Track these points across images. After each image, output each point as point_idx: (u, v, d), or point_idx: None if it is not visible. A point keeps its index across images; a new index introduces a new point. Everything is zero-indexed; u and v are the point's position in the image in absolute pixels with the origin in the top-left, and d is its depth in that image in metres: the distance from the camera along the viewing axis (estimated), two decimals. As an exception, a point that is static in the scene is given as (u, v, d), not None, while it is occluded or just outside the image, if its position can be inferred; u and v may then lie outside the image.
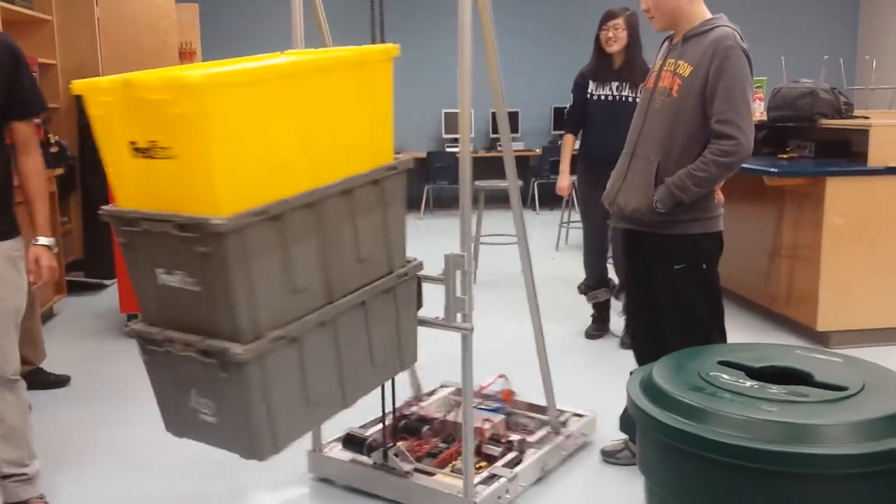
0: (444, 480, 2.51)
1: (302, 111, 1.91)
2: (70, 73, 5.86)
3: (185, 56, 6.74)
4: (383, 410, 2.60)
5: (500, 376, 2.98)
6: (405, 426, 2.82)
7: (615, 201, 2.72)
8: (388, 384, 2.50)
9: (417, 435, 2.77)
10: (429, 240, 7.98)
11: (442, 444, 2.77)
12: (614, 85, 4.19)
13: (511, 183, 2.74)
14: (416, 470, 2.55)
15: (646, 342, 2.82)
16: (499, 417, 2.87)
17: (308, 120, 1.92)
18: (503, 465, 2.64)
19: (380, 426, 2.73)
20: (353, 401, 2.15)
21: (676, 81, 2.53)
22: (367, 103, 2.13)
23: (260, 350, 1.80)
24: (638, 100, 4.06)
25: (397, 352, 2.29)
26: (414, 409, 2.95)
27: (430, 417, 2.88)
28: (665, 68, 2.61)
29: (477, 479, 2.47)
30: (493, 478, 2.55)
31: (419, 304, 2.37)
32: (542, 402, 3.00)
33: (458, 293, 2.48)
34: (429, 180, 9.46)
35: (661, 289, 2.68)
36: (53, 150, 5.29)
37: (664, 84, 2.58)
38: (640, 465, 1.73)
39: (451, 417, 2.83)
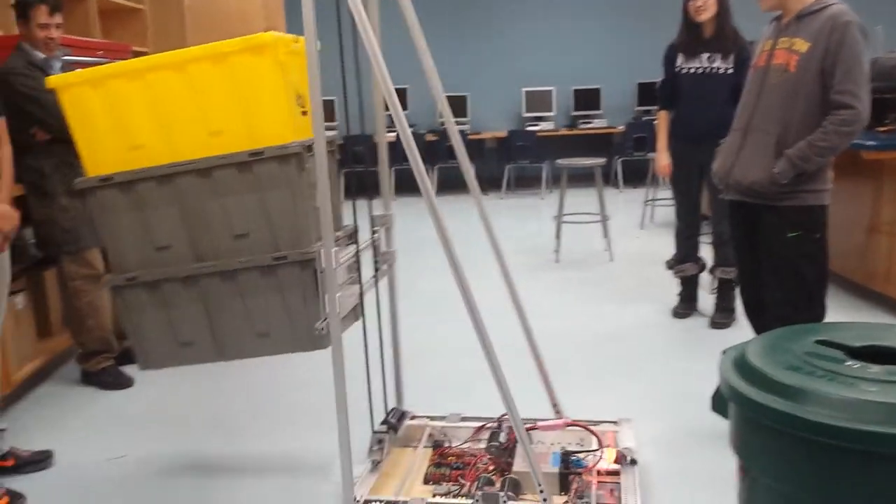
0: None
1: (155, 100, 2.34)
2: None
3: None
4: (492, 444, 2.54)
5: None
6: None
7: (730, 175, 2.85)
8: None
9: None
10: (509, 219, 7.95)
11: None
12: (704, 56, 4.07)
13: (463, 164, 2.70)
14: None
15: (759, 314, 2.97)
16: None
17: (162, 107, 2.35)
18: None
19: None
20: (230, 357, 2.51)
21: (793, 57, 2.66)
22: (234, 93, 2.31)
23: (116, 282, 2.46)
24: (729, 71, 4.01)
25: (290, 330, 2.43)
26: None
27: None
28: (778, 47, 2.73)
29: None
30: None
31: (316, 292, 2.38)
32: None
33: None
34: (509, 160, 9.42)
35: (772, 258, 2.82)
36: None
37: (779, 61, 2.71)
38: (733, 445, 1.71)
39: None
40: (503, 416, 2.73)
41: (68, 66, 3.61)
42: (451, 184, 8.99)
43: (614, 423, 2.77)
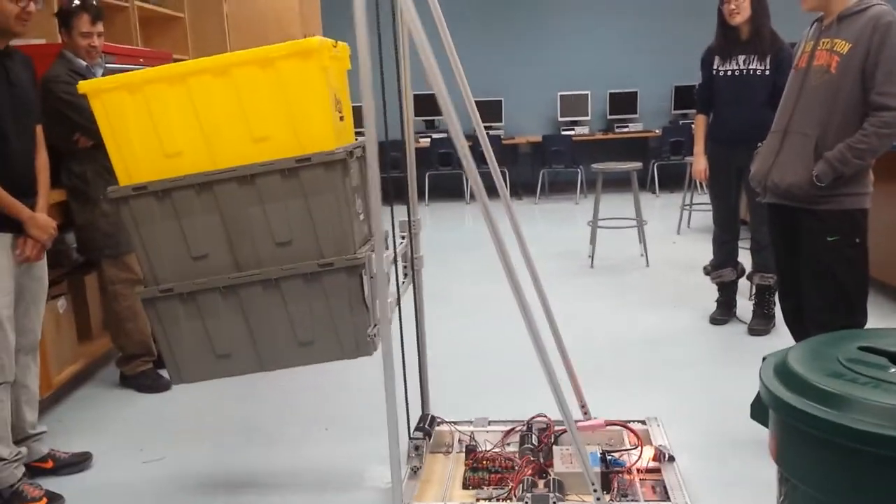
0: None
1: (196, 106, 2.28)
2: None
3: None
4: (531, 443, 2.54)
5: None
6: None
7: (768, 178, 2.81)
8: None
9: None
10: (543, 224, 7.92)
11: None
12: (741, 58, 4.02)
13: (491, 167, 2.67)
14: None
15: (799, 320, 2.92)
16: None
17: (203, 113, 2.29)
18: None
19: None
20: (271, 367, 2.45)
21: (835, 59, 2.62)
22: (280, 99, 2.27)
23: (150, 294, 2.39)
24: (766, 73, 3.96)
25: (335, 338, 2.40)
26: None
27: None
28: (820, 48, 2.69)
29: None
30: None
31: (362, 299, 2.37)
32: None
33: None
34: (544, 164, 9.38)
35: (811, 262, 2.78)
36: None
37: (820, 62, 2.68)
38: (773, 454, 1.68)
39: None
40: (532, 418, 2.72)
41: (110, 74, 3.68)
42: (486, 189, 8.98)
43: (642, 422, 2.76)
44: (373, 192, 2.17)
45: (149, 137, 2.32)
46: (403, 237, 2.65)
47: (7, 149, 2.60)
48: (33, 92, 2.80)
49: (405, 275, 2.61)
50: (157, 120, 2.30)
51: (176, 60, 5.75)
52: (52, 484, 2.79)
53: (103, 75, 3.58)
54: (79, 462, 2.95)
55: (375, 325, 2.40)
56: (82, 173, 3.48)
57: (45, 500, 2.65)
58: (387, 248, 2.66)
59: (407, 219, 2.69)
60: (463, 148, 2.16)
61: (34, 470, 2.87)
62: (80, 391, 3.77)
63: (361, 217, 2.49)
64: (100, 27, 3.52)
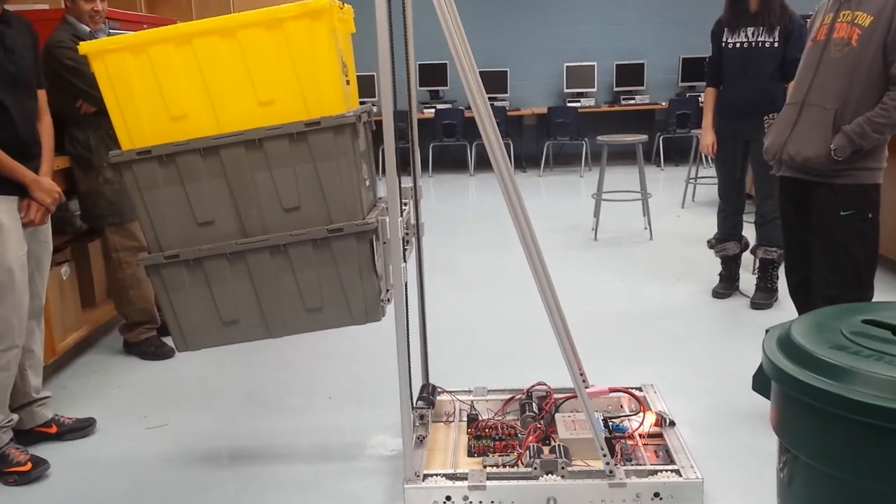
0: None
1: (202, 68, 2.22)
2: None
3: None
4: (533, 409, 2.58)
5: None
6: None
7: (783, 151, 2.80)
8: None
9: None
10: (547, 197, 7.89)
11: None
12: (749, 30, 3.98)
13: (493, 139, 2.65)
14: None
15: (804, 294, 2.93)
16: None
17: (209, 75, 2.23)
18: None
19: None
20: (279, 333, 2.42)
21: (856, 31, 2.61)
22: (288, 60, 2.21)
23: (154, 261, 2.33)
24: (775, 45, 3.92)
25: (344, 304, 2.37)
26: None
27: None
28: (840, 20, 2.67)
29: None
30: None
31: (372, 264, 2.35)
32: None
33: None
34: (549, 136, 9.33)
35: (823, 236, 2.77)
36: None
37: (841, 35, 2.65)
38: (774, 425, 1.68)
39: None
40: (532, 387, 2.74)
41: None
42: (487, 161, 8.95)
43: (639, 389, 2.78)
44: (389, 156, 2.15)
45: (153, 100, 2.25)
46: (406, 204, 2.64)
47: (5, 115, 2.58)
48: (32, 57, 2.76)
49: (407, 242, 2.61)
50: (162, 82, 2.23)
51: (179, 27, 5.71)
52: (55, 449, 2.82)
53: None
54: (83, 427, 2.97)
55: (388, 291, 2.38)
56: (85, 140, 3.47)
57: (30, 464, 2.67)
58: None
59: (411, 186, 2.67)
60: (483, 119, 2.14)
61: (38, 434, 2.89)
62: (83, 358, 3.79)
63: (367, 183, 2.47)
64: None
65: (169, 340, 3.70)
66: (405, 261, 2.34)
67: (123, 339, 3.80)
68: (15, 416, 2.76)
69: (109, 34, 3.59)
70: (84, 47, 2.24)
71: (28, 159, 2.67)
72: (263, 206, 2.30)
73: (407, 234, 2.55)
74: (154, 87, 2.24)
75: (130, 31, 4.11)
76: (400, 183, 2.29)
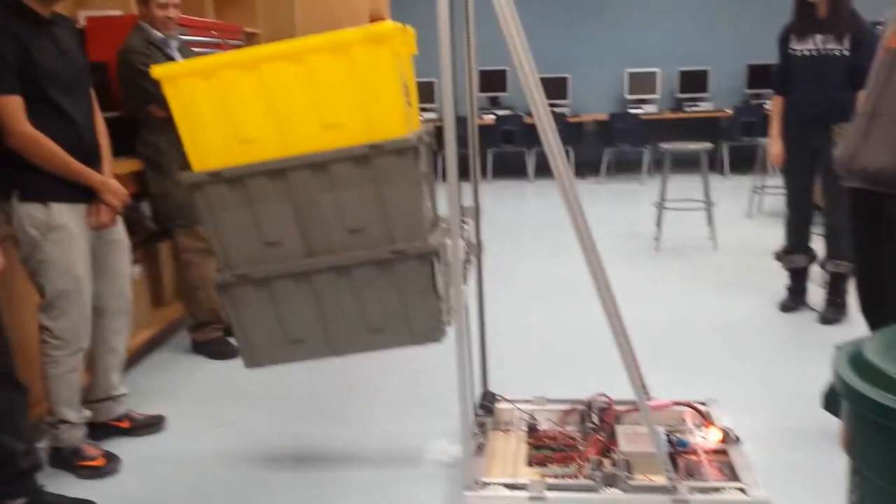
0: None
1: (269, 92, 2.27)
2: (271, 40, 6.22)
3: (375, 22, 6.97)
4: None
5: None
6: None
7: (854, 161, 2.72)
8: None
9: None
10: (607, 205, 7.82)
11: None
12: (818, 38, 3.89)
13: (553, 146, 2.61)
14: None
15: (875, 310, 2.83)
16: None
17: (276, 99, 2.27)
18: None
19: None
20: (342, 352, 2.48)
21: None
22: (351, 85, 2.25)
23: (224, 280, 2.40)
24: (844, 53, 3.82)
25: (406, 324, 2.40)
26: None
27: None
28: None
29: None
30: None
31: (434, 285, 2.37)
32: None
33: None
34: (609, 143, 9.25)
35: (895, 250, 2.67)
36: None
37: None
38: (845, 445, 1.64)
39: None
40: (593, 397, 2.72)
41: (184, 45, 3.77)
42: (547, 167, 8.93)
43: (703, 404, 2.73)
44: (451, 178, 2.17)
45: (222, 123, 2.30)
46: (466, 223, 2.65)
47: (68, 119, 2.60)
48: (83, 56, 2.78)
49: (468, 261, 2.62)
50: (231, 106, 2.29)
51: (247, 34, 5.85)
52: (125, 444, 2.92)
53: (178, 47, 3.67)
54: (153, 424, 3.07)
55: (448, 312, 2.41)
56: (156, 143, 3.57)
57: (103, 459, 2.77)
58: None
59: (471, 204, 2.68)
60: (546, 129, 2.15)
61: (111, 428, 3.00)
62: (153, 356, 3.91)
63: (429, 203, 2.49)
64: None
65: (234, 340, 3.79)
66: (465, 282, 2.36)
67: (191, 338, 3.90)
68: (88, 413, 2.86)
69: (180, 40, 3.71)
70: (157, 71, 2.31)
71: (92, 162, 2.70)
72: (328, 227, 2.35)
73: (467, 253, 2.56)
74: (223, 111, 2.29)
75: (200, 38, 4.26)
76: (460, 199, 2.31)
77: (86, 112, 2.71)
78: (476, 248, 2.72)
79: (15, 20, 2.46)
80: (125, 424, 3.03)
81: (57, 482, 2.65)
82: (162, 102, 3.42)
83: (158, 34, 3.58)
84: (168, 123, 3.48)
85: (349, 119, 2.28)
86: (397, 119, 2.28)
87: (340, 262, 2.35)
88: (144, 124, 3.58)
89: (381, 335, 2.43)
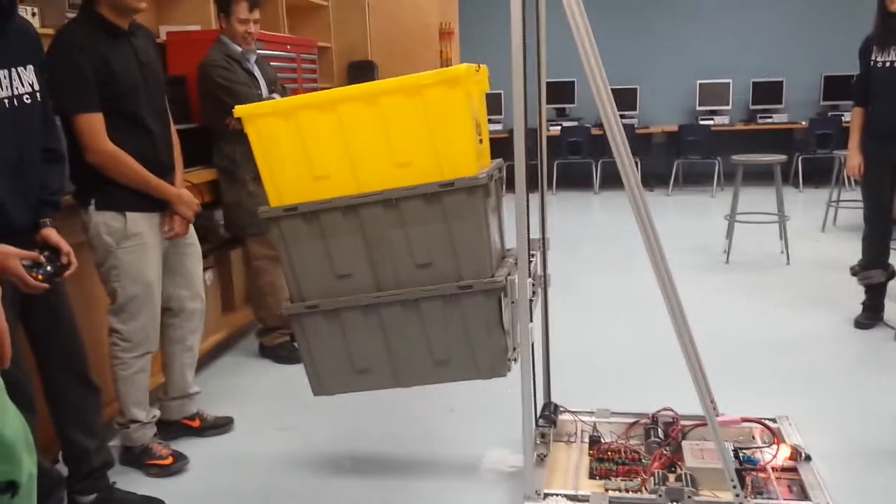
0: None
1: (344, 132, 2.34)
2: (343, 54, 6.38)
3: (444, 36, 7.03)
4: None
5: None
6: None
7: None
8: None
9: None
10: (676, 217, 7.69)
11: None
12: (899, 49, 3.77)
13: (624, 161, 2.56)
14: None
15: None
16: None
17: (351, 139, 2.35)
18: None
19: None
20: (407, 383, 2.51)
21: None
22: (425, 125, 2.30)
23: (296, 310, 2.47)
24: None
25: (471, 358, 2.43)
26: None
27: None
28: None
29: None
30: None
31: (499, 321, 2.38)
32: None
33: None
34: (678, 155, 9.10)
35: None
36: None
37: None
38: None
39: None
40: (658, 411, 2.69)
41: (262, 59, 3.87)
42: (613, 179, 8.85)
43: (773, 420, 2.66)
44: (519, 193, 2.20)
45: (299, 161, 2.39)
46: (533, 256, 2.64)
47: (146, 131, 2.68)
48: (160, 66, 2.85)
49: (534, 293, 2.60)
50: (308, 144, 2.38)
51: (320, 48, 5.98)
52: (194, 443, 3.01)
53: (256, 61, 3.78)
54: (222, 425, 3.15)
55: (515, 349, 2.44)
56: (231, 154, 3.68)
57: (171, 458, 2.85)
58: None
59: (538, 237, 2.70)
60: (616, 140, 2.16)
61: (182, 427, 3.10)
62: (222, 359, 4.01)
63: (497, 237, 2.54)
64: (256, 14, 3.69)
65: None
66: (532, 319, 2.38)
67: (259, 342, 3.99)
68: (157, 412, 2.95)
69: (258, 54, 3.82)
70: (238, 111, 2.40)
71: (167, 174, 2.78)
72: (397, 262, 2.40)
73: (534, 285, 2.56)
74: (300, 149, 2.38)
75: (275, 52, 4.38)
76: (529, 232, 2.32)
77: (162, 124, 2.79)
78: (542, 280, 2.73)
79: (96, 34, 2.55)
80: (195, 423, 3.12)
81: (127, 479, 2.74)
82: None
83: (238, 48, 3.68)
84: (243, 135, 3.59)
85: (421, 157, 2.34)
86: (469, 158, 2.33)
87: (408, 296, 2.41)
88: (221, 136, 3.69)
89: (446, 368, 2.47)
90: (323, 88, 5.75)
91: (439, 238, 2.36)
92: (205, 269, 3.78)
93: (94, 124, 2.54)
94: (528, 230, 2.30)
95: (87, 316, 2.87)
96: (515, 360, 2.44)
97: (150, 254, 2.74)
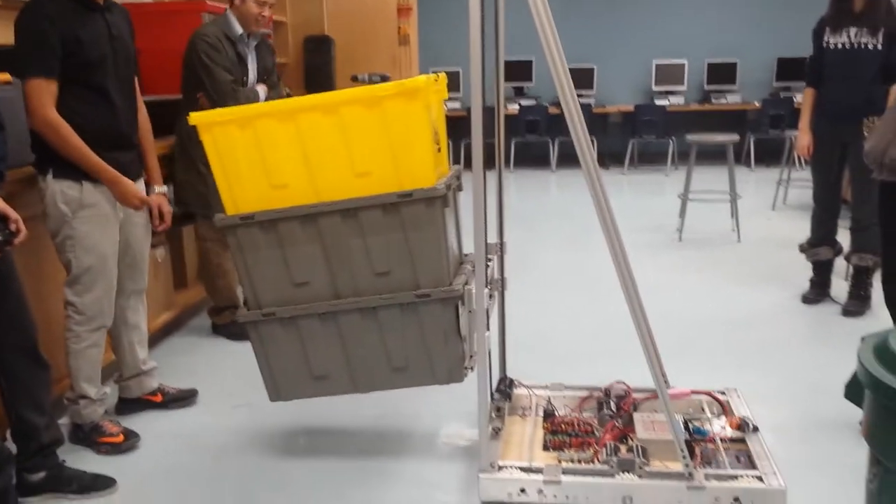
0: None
1: (303, 141, 2.33)
2: (299, 28, 6.28)
3: (402, 12, 6.95)
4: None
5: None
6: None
7: (885, 154, 2.69)
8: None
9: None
10: (631, 196, 7.77)
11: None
12: (852, 31, 3.84)
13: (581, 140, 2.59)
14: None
15: None
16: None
17: (310, 148, 2.34)
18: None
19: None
20: (365, 389, 2.54)
21: None
22: (384, 136, 2.32)
23: (252, 318, 2.47)
24: (878, 48, 3.77)
25: (428, 365, 2.47)
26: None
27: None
28: None
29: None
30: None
31: (457, 329, 2.42)
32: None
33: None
34: (634, 134, 9.19)
35: None
36: (284, 101, 5.69)
37: None
38: (866, 435, 1.63)
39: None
40: (611, 385, 2.72)
41: (265, 45, 3.80)
42: (570, 158, 8.91)
43: (721, 393, 2.73)
44: (476, 172, 2.18)
45: (256, 170, 2.38)
46: (490, 260, 2.64)
47: (109, 104, 2.65)
48: (132, 44, 2.83)
49: (490, 296, 2.58)
50: (266, 154, 2.36)
51: (275, 22, 5.85)
52: (145, 420, 2.96)
53: (257, 46, 3.70)
54: (186, 398, 3.13)
55: (472, 357, 2.47)
56: (189, 132, 3.58)
57: (122, 436, 2.80)
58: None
59: (496, 242, 2.71)
60: (574, 120, 2.16)
61: (144, 402, 3.06)
62: (174, 337, 3.95)
63: (454, 244, 2.55)
64: None
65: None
66: (489, 328, 2.41)
67: (212, 321, 3.94)
68: (107, 390, 2.90)
69: (264, 40, 3.74)
70: (194, 118, 2.37)
71: (124, 149, 2.74)
72: (355, 270, 2.41)
73: (490, 289, 2.56)
74: (258, 158, 2.37)
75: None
76: (486, 237, 2.30)
77: (128, 98, 2.77)
78: (499, 284, 2.75)
79: (67, 4, 2.52)
80: (158, 398, 3.09)
81: (76, 458, 2.68)
82: (210, 97, 3.46)
83: (239, 30, 3.58)
84: (195, 108, 3.51)
85: (380, 168, 2.35)
86: (427, 169, 2.35)
87: (366, 304, 2.42)
88: (187, 107, 3.59)
89: (404, 374, 2.50)
90: (279, 63, 5.67)
91: (398, 247, 2.38)
92: (156, 245, 3.72)
93: (41, 90, 2.49)
94: (486, 235, 2.31)
95: (40, 290, 2.82)
96: (472, 368, 2.48)
97: (106, 225, 2.69)
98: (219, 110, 2.41)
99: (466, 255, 2.69)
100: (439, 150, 2.47)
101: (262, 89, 3.64)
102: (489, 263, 2.57)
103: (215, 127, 2.36)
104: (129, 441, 2.80)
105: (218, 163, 2.39)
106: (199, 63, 3.46)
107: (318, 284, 2.43)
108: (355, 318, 2.44)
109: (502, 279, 2.76)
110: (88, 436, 2.78)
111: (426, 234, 2.36)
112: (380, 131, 2.31)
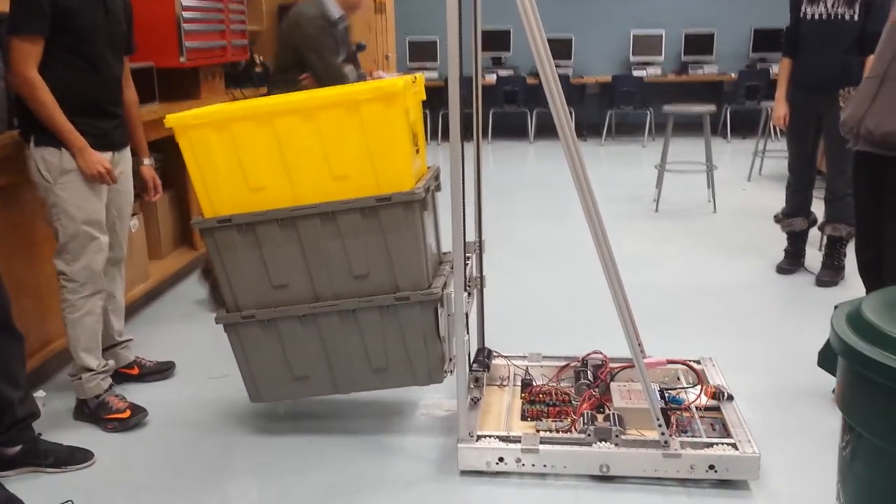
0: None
1: (281, 144, 2.33)
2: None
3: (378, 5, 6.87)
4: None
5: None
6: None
7: (861, 125, 2.70)
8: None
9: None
10: (608, 167, 7.78)
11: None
12: (829, 2, 3.84)
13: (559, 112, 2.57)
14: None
15: (875, 273, 2.83)
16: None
17: (288, 151, 2.34)
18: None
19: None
20: (346, 390, 2.56)
21: None
22: (362, 140, 2.32)
23: (232, 320, 2.47)
24: (854, 18, 3.78)
25: (408, 366, 2.49)
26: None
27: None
28: None
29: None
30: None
31: (436, 331, 2.44)
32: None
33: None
34: (612, 105, 9.18)
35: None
36: (258, 69, 5.60)
37: None
38: (839, 402, 1.65)
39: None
40: (587, 355, 2.74)
41: (346, 28, 3.74)
42: (548, 129, 8.87)
43: (697, 362, 2.76)
44: (454, 142, 2.18)
45: (234, 172, 2.37)
46: (469, 258, 2.64)
47: (93, 71, 2.65)
48: (126, 24, 2.83)
49: (468, 294, 2.57)
50: (243, 156, 2.36)
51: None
52: (128, 391, 2.94)
53: (344, 28, 3.66)
54: (163, 370, 3.11)
55: (451, 360, 2.49)
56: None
57: (129, 411, 2.76)
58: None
59: (474, 240, 2.72)
60: (552, 90, 2.14)
61: (121, 376, 3.02)
62: (150, 308, 3.92)
63: (433, 244, 2.56)
64: None
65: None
66: (468, 332, 2.42)
67: (209, 282, 3.87)
68: (111, 362, 2.87)
69: (346, 26, 3.71)
70: (170, 121, 2.35)
71: (104, 117, 2.72)
72: (334, 273, 2.42)
73: (469, 287, 2.56)
74: (235, 161, 2.36)
75: (201, 3, 4.17)
76: (465, 236, 2.32)
77: (114, 71, 2.75)
78: (477, 281, 2.76)
79: None
80: (134, 371, 3.07)
81: (53, 432, 2.67)
82: (317, 77, 3.44)
83: (335, 12, 3.53)
84: (294, 88, 3.43)
85: (358, 171, 2.34)
86: (406, 173, 2.35)
87: (346, 307, 2.43)
88: (273, 83, 3.58)
89: (384, 375, 2.51)
90: (251, 31, 5.57)
91: (376, 250, 2.39)
92: (131, 214, 3.66)
93: (24, 49, 2.49)
94: (465, 235, 2.32)
95: (25, 260, 2.78)
96: (451, 371, 2.49)
97: (89, 191, 2.66)
98: (193, 111, 2.38)
99: (445, 254, 2.70)
100: (418, 151, 2.47)
101: (350, 70, 3.62)
102: (467, 262, 2.58)
103: (191, 130, 2.34)
104: (137, 416, 2.76)
105: (195, 165, 2.37)
106: (310, 46, 3.43)
107: (297, 287, 2.43)
108: (335, 321, 2.45)
109: (481, 277, 2.79)
110: (94, 413, 2.75)
111: (404, 238, 2.37)
112: (358, 135, 2.32)
